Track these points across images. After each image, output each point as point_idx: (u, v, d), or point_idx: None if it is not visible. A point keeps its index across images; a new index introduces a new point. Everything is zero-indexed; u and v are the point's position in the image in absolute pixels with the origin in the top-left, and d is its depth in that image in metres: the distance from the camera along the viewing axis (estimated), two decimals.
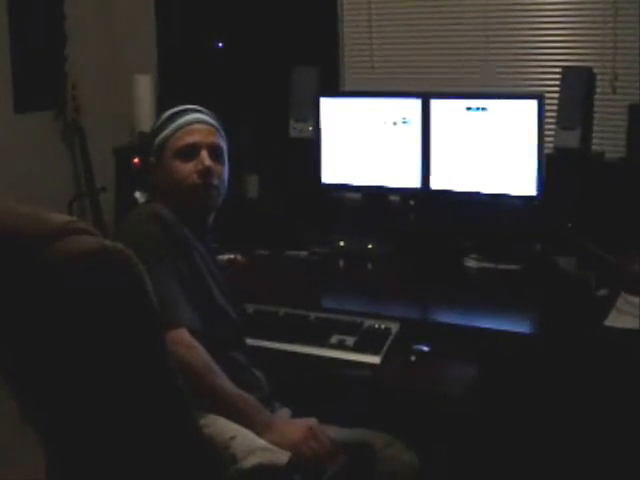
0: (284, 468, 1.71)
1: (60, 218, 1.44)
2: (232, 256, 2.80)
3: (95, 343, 1.41)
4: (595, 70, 2.72)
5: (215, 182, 2.04)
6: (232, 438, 1.70)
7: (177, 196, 2.00)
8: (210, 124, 2.08)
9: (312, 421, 1.84)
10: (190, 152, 2.03)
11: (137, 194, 2.10)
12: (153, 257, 1.82)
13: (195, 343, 1.79)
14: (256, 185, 3.14)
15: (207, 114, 2.10)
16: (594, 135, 2.74)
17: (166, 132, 2.05)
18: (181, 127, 2.04)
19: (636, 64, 2.74)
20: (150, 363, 1.48)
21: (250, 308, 2.37)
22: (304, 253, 2.89)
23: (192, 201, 2.02)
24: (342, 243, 2.89)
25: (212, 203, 2.06)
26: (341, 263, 2.84)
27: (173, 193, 2.01)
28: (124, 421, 1.48)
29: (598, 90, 2.75)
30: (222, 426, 1.72)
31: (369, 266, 2.80)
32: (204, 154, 2.02)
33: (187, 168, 2.02)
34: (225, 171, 2.09)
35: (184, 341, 1.78)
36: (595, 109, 2.74)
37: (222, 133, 2.11)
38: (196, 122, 2.05)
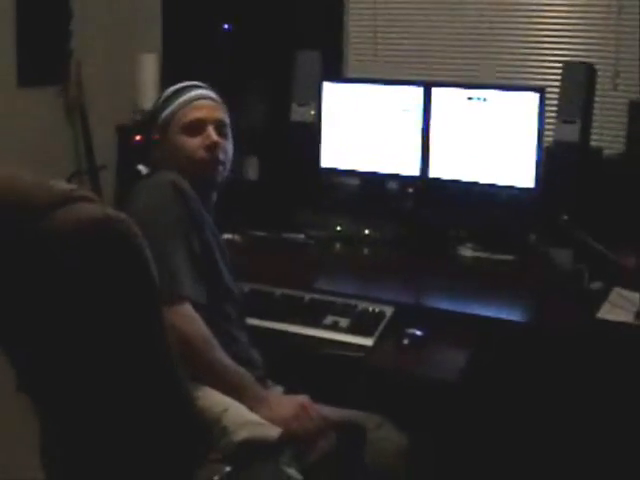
0: (274, 443, 1.73)
1: (63, 186, 1.46)
2: (229, 237, 2.81)
3: (91, 311, 1.42)
4: (597, 66, 2.72)
5: (222, 157, 2.07)
6: (224, 411, 1.72)
7: (184, 171, 2.00)
8: (214, 99, 2.11)
9: (304, 398, 1.86)
10: (197, 127, 2.05)
11: (140, 167, 2.11)
12: (167, 228, 1.84)
13: (197, 316, 1.81)
14: (256, 167, 3.14)
15: (210, 90, 2.13)
16: (593, 130, 2.75)
17: (172, 108, 2.06)
18: (187, 103, 2.06)
19: (637, 61, 2.75)
20: (145, 334, 1.49)
21: (246, 287, 2.38)
22: (301, 236, 2.90)
23: (200, 175, 2.03)
24: (339, 228, 2.90)
25: (219, 178, 2.08)
26: (337, 247, 2.85)
27: (180, 168, 2.01)
28: (117, 390, 1.49)
29: (599, 86, 2.75)
30: (215, 399, 1.74)
31: (365, 251, 2.81)
32: (210, 129, 2.05)
33: (194, 143, 2.04)
34: (230, 146, 2.11)
35: (186, 314, 1.79)
36: (595, 105, 2.75)
37: (225, 108, 2.13)
38: (201, 98, 2.08)
